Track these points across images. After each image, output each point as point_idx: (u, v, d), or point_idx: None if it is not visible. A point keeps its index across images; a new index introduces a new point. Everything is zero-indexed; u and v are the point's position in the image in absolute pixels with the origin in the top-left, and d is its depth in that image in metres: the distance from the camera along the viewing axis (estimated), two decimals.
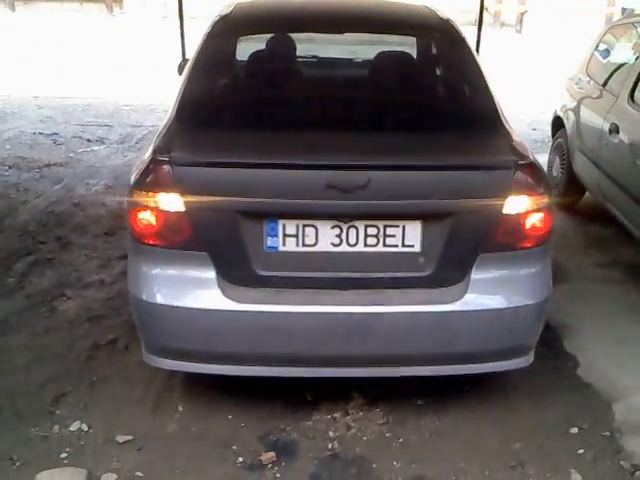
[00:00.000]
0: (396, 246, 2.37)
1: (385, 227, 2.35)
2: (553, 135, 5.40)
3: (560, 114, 5.17)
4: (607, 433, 2.56)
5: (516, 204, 2.34)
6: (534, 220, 2.38)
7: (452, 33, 3.00)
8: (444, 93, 3.11)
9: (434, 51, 3.33)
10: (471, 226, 2.37)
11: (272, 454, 2.40)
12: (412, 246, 2.37)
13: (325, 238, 2.36)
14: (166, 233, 2.35)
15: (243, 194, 2.29)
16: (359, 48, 4.15)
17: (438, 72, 3.27)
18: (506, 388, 2.83)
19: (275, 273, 2.39)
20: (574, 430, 2.58)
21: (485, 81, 2.75)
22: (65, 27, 14.67)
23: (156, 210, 2.31)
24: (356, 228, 2.35)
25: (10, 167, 5.57)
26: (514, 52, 13.29)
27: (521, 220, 2.37)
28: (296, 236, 2.36)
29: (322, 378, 2.56)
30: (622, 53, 4.67)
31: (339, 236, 2.36)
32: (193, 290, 2.40)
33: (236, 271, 2.38)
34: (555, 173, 5.15)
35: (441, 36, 3.12)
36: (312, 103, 2.80)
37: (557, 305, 3.50)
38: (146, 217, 2.34)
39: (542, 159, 5.79)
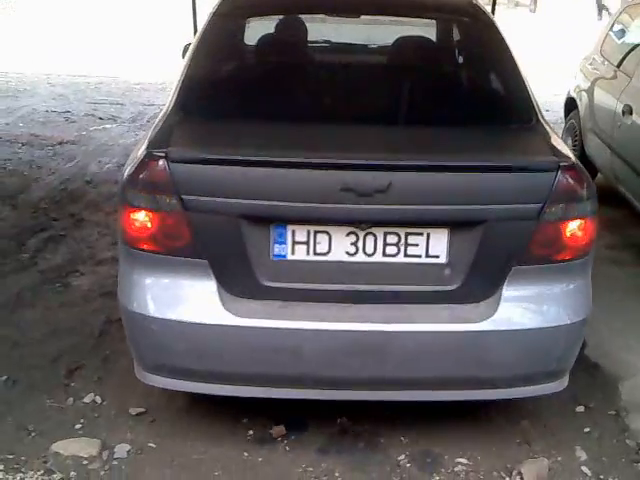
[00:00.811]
0: (419, 256, 2.12)
1: (407, 235, 2.09)
2: (566, 116, 5.37)
3: (573, 95, 5.14)
4: (613, 412, 2.59)
5: (556, 211, 2.06)
6: (575, 229, 2.10)
7: (480, 16, 2.74)
8: (473, 84, 2.84)
9: (459, 37, 3.07)
10: (505, 235, 2.09)
11: (282, 428, 2.44)
12: (437, 257, 2.12)
13: (339, 246, 2.11)
14: (161, 237, 2.09)
15: (248, 195, 2.04)
16: (375, 30, 3.89)
17: (465, 60, 3.02)
18: None
19: (282, 284, 2.14)
20: (580, 409, 2.60)
21: (519, 70, 2.50)
22: (77, 5, 14.64)
23: (151, 211, 2.05)
24: (374, 236, 2.09)
25: (23, 144, 5.63)
26: (528, 32, 13.14)
27: (561, 229, 2.09)
28: (307, 243, 2.11)
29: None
30: (637, 33, 4.63)
31: (355, 244, 2.10)
32: (190, 302, 2.15)
33: (239, 281, 2.13)
34: None
35: (468, 20, 2.87)
36: (326, 94, 2.57)
37: None
38: (139, 219, 2.07)
39: None
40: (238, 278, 2.13)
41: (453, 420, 2.53)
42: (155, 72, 8.66)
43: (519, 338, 2.17)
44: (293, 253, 2.12)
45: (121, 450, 2.32)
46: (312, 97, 2.54)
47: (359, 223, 2.07)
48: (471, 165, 2.10)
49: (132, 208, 2.08)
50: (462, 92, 2.76)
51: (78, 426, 2.43)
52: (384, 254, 2.12)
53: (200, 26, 2.79)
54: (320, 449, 2.37)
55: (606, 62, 4.74)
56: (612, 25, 4.94)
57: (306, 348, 2.13)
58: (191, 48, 2.61)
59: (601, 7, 17.24)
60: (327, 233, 2.10)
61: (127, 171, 2.15)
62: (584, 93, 4.89)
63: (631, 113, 3.88)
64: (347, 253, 2.12)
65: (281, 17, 3.05)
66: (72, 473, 2.21)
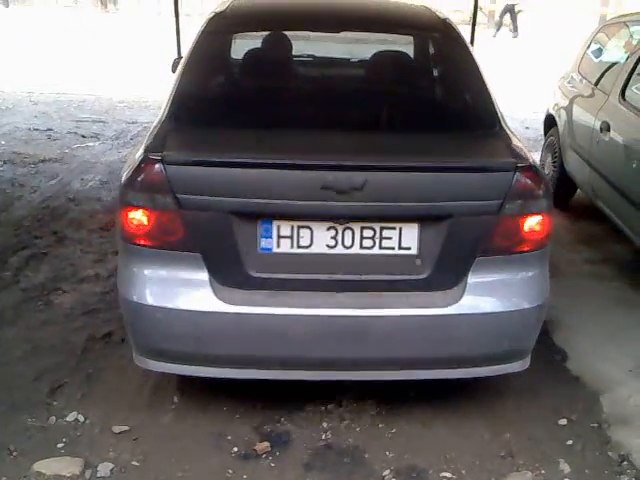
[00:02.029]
0: (392, 248, 2.33)
1: (382, 229, 2.30)
2: (545, 133, 5.46)
3: (552, 112, 5.22)
4: (595, 424, 2.61)
5: (514, 207, 2.29)
6: (533, 224, 2.34)
7: (451, 33, 2.97)
8: (442, 93, 3.08)
9: (432, 51, 3.31)
10: (469, 229, 2.32)
11: (266, 444, 2.44)
12: (409, 249, 2.33)
13: (320, 240, 2.31)
14: (158, 233, 2.27)
15: (237, 194, 2.23)
16: (356, 47, 4.10)
17: (436, 72, 3.24)
18: (497, 379, 2.86)
19: (269, 275, 2.33)
20: (563, 421, 2.62)
21: (484, 82, 2.73)
22: (59, 23, 14.65)
23: (147, 210, 2.23)
24: (352, 230, 2.29)
25: (5, 162, 5.59)
26: (508, 51, 13.36)
27: (520, 223, 2.33)
28: (291, 237, 2.30)
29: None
30: (614, 52, 4.73)
31: (334, 238, 2.30)
32: (185, 291, 2.32)
33: (229, 273, 2.31)
34: (547, 171, 5.20)
35: (439, 36, 3.09)
36: (308, 102, 2.76)
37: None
38: (137, 217, 2.25)
39: (534, 157, 5.88)
40: (228, 270, 2.32)
41: (438, 434, 2.54)
42: (138, 90, 8.68)
43: (483, 321, 2.40)
44: (278, 246, 2.31)
45: (104, 469, 2.30)
46: (295, 106, 2.74)
47: (338, 219, 2.28)
48: (438, 166, 2.31)
49: (130, 207, 2.26)
50: (432, 101, 2.99)
51: (60, 445, 2.41)
52: (361, 247, 2.33)
53: (187, 43, 2.97)
54: (305, 465, 2.37)
55: (584, 80, 4.83)
56: (589, 44, 5.04)
57: (290, 333, 2.34)
58: (182, 62, 2.77)
59: (500, 25, 17.56)
60: (309, 228, 2.30)
61: (126, 173, 2.31)
62: (563, 111, 4.98)
63: (609, 130, 3.95)
64: (327, 246, 2.32)
65: (266, 34, 3.30)
66: None
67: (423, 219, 2.31)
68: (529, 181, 2.31)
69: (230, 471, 2.32)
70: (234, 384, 2.72)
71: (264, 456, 2.40)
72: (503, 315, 2.39)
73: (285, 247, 2.31)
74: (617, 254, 4.18)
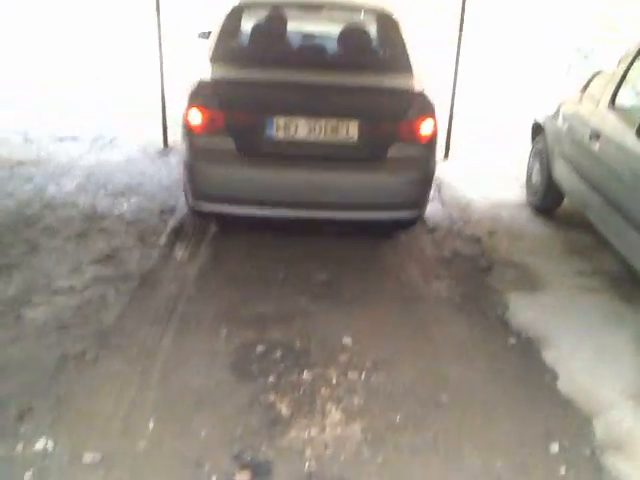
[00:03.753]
0: (344, 136, 3.76)
1: (338, 124, 3.74)
2: (533, 139, 5.38)
3: (540, 119, 5.15)
4: (588, 451, 2.52)
5: (413, 114, 3.77)
6: (424, 125, 3.78)
7: (392, 22, 4.49)
8: (379, 51, 4.70)
9: (379, 29, 4.85)
10: (388, 126, 3.78)
11: (247, 474, 2.32)
12: (353, 137, 3.76)
13: (302, 130, 3.74)
14: (207, 124, 3.73)
15: (254, 101, 3.75)
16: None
17: (378, 40, 4.80)
18: (486, 402, 2.78)
19: (272, 151, 3.79)
20: (555, 448, 2.52)
21: (405, 48, 4.26)
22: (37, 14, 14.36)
23: (202, 108, 3.71)
24: (320, 125, 3.74)
25: None
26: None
27: (416, 124, 3.78)
28: (284, 128, 3.74)
29: None
30: (603, 59, 4.66)
31: (311, 129, 3.74)
32: (222, 157, 3.77)
33: (247, 149, 3.77)
34: (534, 179, 5.13)
35: (384, 22, 4.65)
36: (296, 52, 4.60)
37: (536, 315, 3.50)
38: (195, 113, 3.72)
39: (522, 164, 5.80)
40: (247, 147, 3.78)
41: (427, 460, 2.44)
42: (117, 89, 8.51)
43: (396, 181, 3.87)
44: (277, 133, 3.75)
45: None
46: (287, 54, 4.44)
47: (313, 117, 3.71)
48: (371, 87, 3.92)
49: (192, 106, 3.73)
50: (373, 54, 4.60)
51: (27, 476, 2.26)
52: (325, 135, 3.76)
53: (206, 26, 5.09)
54: None
55: (572, 86, 4.76)
56: (578, 49, 4.97)
57: (284, 185, 3.85)
58: (214, 32, 4.31)
59: None
60: (295, 122, 3.74)
61: (191, 89, 3.77)
62: (550, 118, 4.90)
63: (598, 138, 3.88)
64: (306, 134, 3.75)
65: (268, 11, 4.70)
66: None
67: (361, 119, 3.74)
68: (421, 99, 3.82)
69: None
70: (213, 406, 2.61)
71: None
72: (407, 179, 3.87)
73: (281, 134, 3.75)
74: (606, 266, 4.10)
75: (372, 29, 4.83)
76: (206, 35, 4.94)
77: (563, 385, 2.94)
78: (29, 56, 10.75)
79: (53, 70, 9.87)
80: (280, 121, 3.72)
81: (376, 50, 4.69)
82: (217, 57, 4.11)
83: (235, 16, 4.47)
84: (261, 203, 3.87)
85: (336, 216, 3.99)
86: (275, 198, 3.85)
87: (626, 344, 3.27)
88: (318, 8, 4.99)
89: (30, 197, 4.80)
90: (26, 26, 13.34)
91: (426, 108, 3.78)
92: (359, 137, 3.74)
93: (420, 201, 3.98)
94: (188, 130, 3.77)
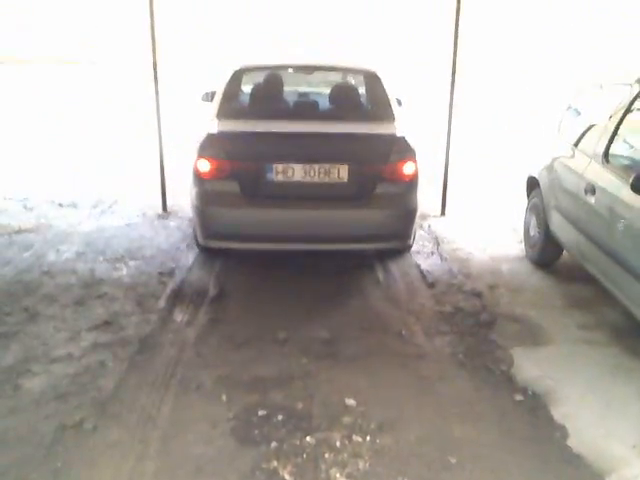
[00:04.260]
0: (335, 178, 4.26)
1: (330, 168, 4.24)
2: (528, 195, 5.43)
3: (534, 174, 5.20)
4: None
5: (395, 157, 4.29)
6: (406, 167, 4.31)
7: (376, 78, 5.12)
8: (365, 103, 5.33)
9: (365, 85, 5.49)
10: (374, 168, 4.28)
11: None
12: (344, 179, 4.27)
13: (298, 174, 4.25)
14: (214, 171, 4.24)
15: (255, 151, 4.27)
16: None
17: (364, 94, 5.42)
18: (495, 462, 2.71)
19: (272, 192, 4.29)
20: None
21: (388, 100, 4.87)
22: (40, 89, 14.71)
23: (210, 159, 4.23)
24: (314, 168, 4.23)
25: None
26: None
27: (399, 166, 4.30)
28: (283, 172, 4.25)
29: None
30: (592, 114, 4.75)
31: (306, 173, 4.25)
32: (228, 199, 4.26)
33: (250, 191, 4.25)
34: (532, 232, 5.14)
35: (369, 79, 5.30)
36: (291, 107, 5.15)
37: (541, 370, 3.44)
38: (204, 163, 4.24)
39: (519, 218, 5.83)
40: (250, 189, 4.26)
41: None
42: (119, 157, 8.64)
43: (382, 216, 4.37)
44: (276, 177, 4.26)
45: None
46: (284, 109, 5.03)
47: (307, 163, 4.22)
48: (359, 134, 4.46)
49: (201, 157, 4.25)
50: (358, 106, 5.19)
51: None
52: (319, 177, 4.26)
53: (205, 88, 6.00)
54: None
55: (564, 141, 4.84)
56: (569, 106, 5.07)
57: (283, 222, 4.34)
58: (218, 92, 4.95)
59: None
60: (292, 167, 4.24)
61: (199, 142, 4.31)
62: (545, 172, 4.96)
63: (593, 192, 3.91)
64: (302, 177, 4.26)
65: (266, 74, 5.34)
66: None
67: (350, 163, 4.25)
68: (402, 144, 4.35)
69: None
70: None
71: None
72: (392, 213, 4.37)
73: (280, 178, 4.26)
74: (609, 318, 4.07)
75: (359, 85, 5.61)
76: (209, 97, 5.44)
77: (573, 441, 2.87)
78: (28, 118, 10.96)
79: (52, 132, 10.04)
80: (279, 167, 4.23)
81: (362, 103, 5.28)
82: (222, 113, 4.65)
83: (237, 78, 5.12)
84: (264, 238, 4.39)
85: (331, 248, 4.63)
86: (276, 233, 4.36)
87: (634, 398, 3.21)
88: (311, 70, 5.83)
89: (29, 264, 4.80)
90: (26, 89, 13.65)
91: (407, 151, 4.32)
92: (349, 178, 4.26)
93: (406, 232, 4.51)
94: (197, 177, 4.28)
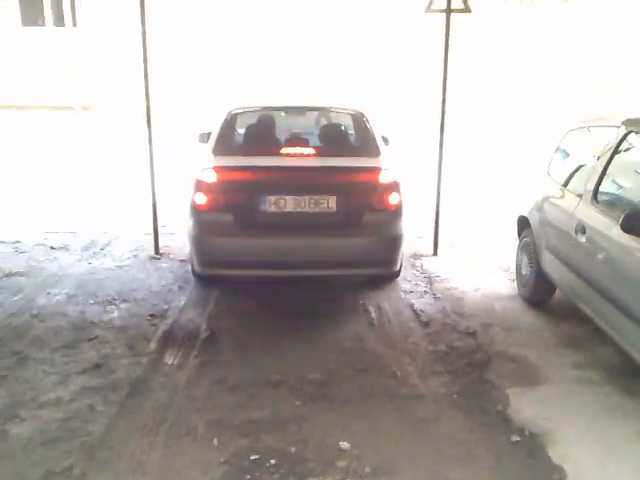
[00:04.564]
0: (325, 208, 4.55)
1: (319, 199, 4.53)
2: (519, 234, 5.46)
3: (525, 214, 5.24)
4: None
5: (381, 189, 4.61)
6: (390, 197, 4.62)
7: (361, 118, 5.50)
8: (353, 140, 5.70)
9: (353, 123, 5.84)
10: (361, 199, 4.59)
11: None
12: (333, 209, 4.55)
13: (290, 205, 4.54)
14: (210, 204, 4.53)
15: (249, 184, 4.55)
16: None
17: (352, 132, 5.81)
18: None
19: (265, 222, 4.56)
20: None
21: (374, 136, 5.21)
22: (35, 134, 14.80)
23: (206, 193, 4.52)
24: (305, 199, 4.52)
25: None
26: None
27: (384, 196, 4.60)
28: (275, 203, 4.53)
29: None
30: (581, 155, 4.82)
31: (297, 203, 4.53)
32: (222, 229, 4.53)
33: (245, 221, 4.52)
34: (524, 271, 5.15)
35: (355, 118, 5.71)
36: (284, 145, 5.16)
37: (538, 410, 3.41)
38: (200, 196, 4.54)
39: (511, 257, 5.86)
40: (244, 220, 4.53)
41: None
42: (110, 199, 8.65)
43: (369, 243, 4.64)
44: (269, 208, 4.54)
45: None
46: (277, 147, 5.04)
47: (298, 194, 4.51)
48: (346, 167, 4.74)
49: (197, 191, 4.54)
50: (346, 143, 5.52)
51: None
52: (309, 208, 4.54)
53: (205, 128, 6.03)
54: None
55: (553, 182, 4.89)
56: (557, 147, 5.14)
57: (276, 250, 4.60)
58: (214, 130, 5.22)
59: None
60: (284, 198, 4.52)
61: (196, 176, 4.60)
62: (536, 212, 5.00)
63: (584, 232, 3.94)
64: (293, 208, 4.54)
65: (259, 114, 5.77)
66: None
67: (338, 194, 4.54)
68: (386, 176, 4.65)
69: None
70: None
71: None
72: (379, 240, 4.66)
73: (272, 209, 4.54)
74: (604, 357, 4.04)
75: (347, 124, 5.94)
76: (205, 138, 5.65)
77: None
78: (19, 162, 10.99)
79: (44, 175, 10.05)
80: (272, 198, 4.51)
81: (350, 140, 5.67)
82: (217, 150, 4.94)
83: (231, 118, 5.45)
84: (257, 266, 4.63)
85: (321, 274, 4.87)
86: (269, 261, 4.60)
87: (632, 439, 3.17)
88: (302, 110, 6.33)
89: (19, 308, 4.76)
90: (17, 135, 13.72)
91: (391, 182, 4.66)
92: (337, 208, 4.55)
93: (392, 258, 4.78)
94: (194, 209, 4.58)
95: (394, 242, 4.71)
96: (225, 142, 5.15)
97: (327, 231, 4.57)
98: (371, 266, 4.73)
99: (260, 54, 17.55)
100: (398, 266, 4.96)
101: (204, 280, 5.16)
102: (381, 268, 4.82)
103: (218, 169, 4.58)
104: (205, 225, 4.57)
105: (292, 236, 4.58)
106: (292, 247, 4.59)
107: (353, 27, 17.93)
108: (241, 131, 5.63)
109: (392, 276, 5.23)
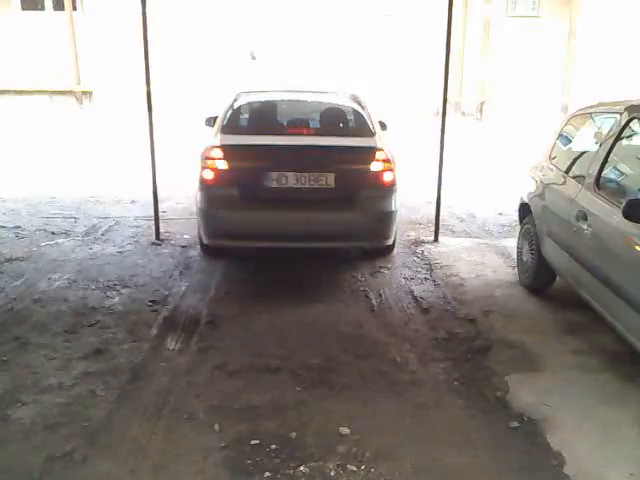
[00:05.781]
0: (324, 185, 4.85)
1: (319, 176, 4.83)
2: (520, 221, 5.45)
3: (526, 200, 5.23)
4: None
5: (376, 166, 4.91)
6: (385, 175, 4.92)
7: (358, 103, 5.89)
8: (349, 122, 5.85)
9: (348, 107, 6.05)
10: (358, 176, 4.91)
11: None
12: (331, 185, 4.85)
13: (291, 181, 4.84)
14: (217, 179, 4.84)
15: (255, 160, 4.89)
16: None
17: (349, 115, 5.95)
18: None
19: (269, 196, 4.87)
20: None
21: (367, 119, 5.57)
22: (34, 120, 14.76)
23: (213, 169, 4.84)
24: (305, 176, 4.82)
25: None
26: (476, 136, 13.72)
27: (379, 174, 4.91)
28: (278, 180, 4.83)
29: None
30: (582, 141, 4.79)
31: (298, 180, 4.83)
32: (228, 203, 4.84)
33: (250, 196, 4.84)
34: (525, 258, 5.15)
35: (352, 102, 6.01)
36: (286, 125, 5.78)
37: (537, 396, 3.42)
38: (208, 172, 4.86)
39: (511, 243, 5.86)
40: (249, 194, 4.85)
41: None
42: (110, 185, 8.65)
43: (365, 218, 4.94)
44: (272, 184, 4.84)
45: None
46: (280, 125, 5.74)
47: (299, 171, 4.81)
48: (344, 146, 5.08)
49: (205, 168, 4.85)
50: (344, 124, 5.77)
51: None
52: (309, 184, 4.85)
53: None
54: None
55: (556, 169, 4.87)
56: (559, 134, 5.12)
57: (278, 223, 4.92)
58: (223, 110, 5.58)
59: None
60: (286, 175, 4.82)
61: (204, 153, 4.95)
62: (537, 199, 4.98)
63: (585, 219, 3.93)
64: (294, 183, 4.85)
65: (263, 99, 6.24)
66: None
67: (336, 172, 4.84)
68: (381, 154, 4.94)
69: None
70: None
71: None
72: (374, 214, 4.96)
73: (275, 184, 4.84)
74: (603, 344, 4.05)
75: (346, 108, 6.17)
76: (211, 122, 5.91)
77: (570, 470, 2.83)
78: (21, 147, 10.97)
79: (45, 160, 10.04)
80: (275, 175, 4.82)
81: (348, 122, 5.91)
82: (224, 129, 5.28)
83: (237, 100, 5.82)
84: (260, 237, 4.95)
85: (319, 246, 5.18)
86: (271, 233, 4.92)
87: (631, 425, 3.18)
88: (304, 94, 6.53)
89: (20, 293, 4.76)
90: (19, 120, 13.70)
91: (386, 160, 4.95)
92: (335, 184, 4.85)
93: (386, 232, 5.10)
94: (202, 184, 4.91)
95: (388, 217, 5.02)
96: (231, 122, 5.47)
97: (326, 206, 4.87)
98: (366, 239, 5.11)
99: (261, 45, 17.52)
100: (391, 240, 5.29)
101: (211, 252, 5.54)
102: (375, 241, 5.19)
103: (225, 147, 4.87)
104: (212, 199, 4.89)
105: (293, 210, 4.88)
106: (293, 220, 4.89)
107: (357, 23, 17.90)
108: (246, 114, 5.96)
109: (386, 249, 5.61)
